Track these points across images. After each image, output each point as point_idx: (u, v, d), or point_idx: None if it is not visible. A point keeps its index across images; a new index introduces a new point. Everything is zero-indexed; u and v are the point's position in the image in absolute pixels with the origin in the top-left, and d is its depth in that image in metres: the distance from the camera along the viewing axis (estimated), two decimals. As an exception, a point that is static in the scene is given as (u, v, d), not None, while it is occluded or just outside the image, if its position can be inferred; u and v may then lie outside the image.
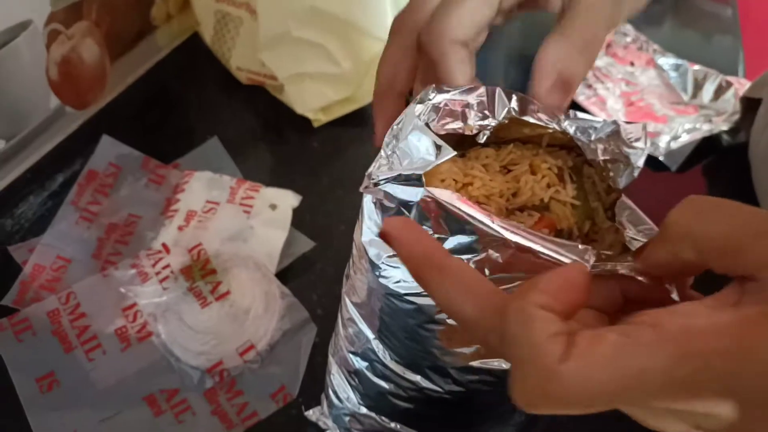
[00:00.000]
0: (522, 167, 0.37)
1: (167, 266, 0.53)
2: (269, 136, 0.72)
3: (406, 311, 0.34)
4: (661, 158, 0.69)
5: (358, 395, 0.43)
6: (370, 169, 0.33)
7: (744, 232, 0.24)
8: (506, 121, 0.35)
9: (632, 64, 0.81)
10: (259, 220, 0.58)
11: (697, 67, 0.78)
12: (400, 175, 0.31)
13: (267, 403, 0.50)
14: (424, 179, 0.31)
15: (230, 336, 0.51)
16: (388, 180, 0.32)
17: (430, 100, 0.35)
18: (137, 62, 0.74)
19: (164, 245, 0.54)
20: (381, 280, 0.34)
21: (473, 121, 0.35)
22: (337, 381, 0.44)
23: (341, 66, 0.69)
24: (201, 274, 0.52)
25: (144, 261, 0.54)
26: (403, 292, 0.33)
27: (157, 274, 0.53)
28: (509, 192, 0.36)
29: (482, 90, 0.35)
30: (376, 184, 0.32)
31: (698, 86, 0.77)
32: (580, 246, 0.29)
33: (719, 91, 0.75)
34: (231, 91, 0.74)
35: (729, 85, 0.75)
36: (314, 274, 0.58)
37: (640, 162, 0.34)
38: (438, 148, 0.32)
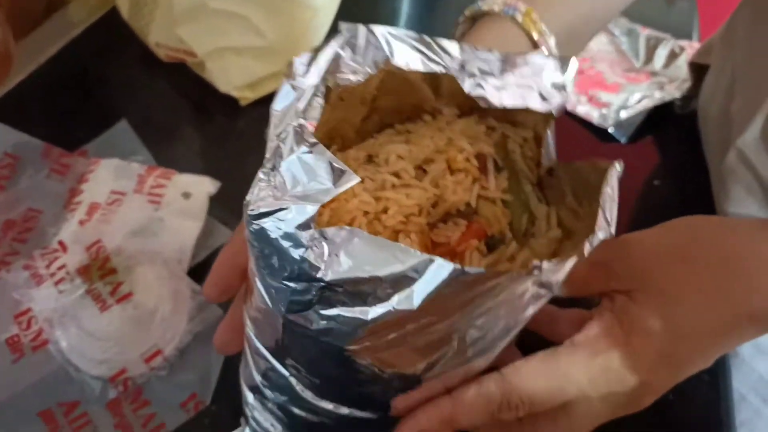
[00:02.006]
0: (439, 165, 0.33)
1: (63, 266, 0.48)
2: (193, 118, 0.67)
3: (320, 349, 0.29)
4: (610, 130, 0.65)
5: (283, 426, 0.39)
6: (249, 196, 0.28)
7: None
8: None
9: (582, 29, 0.76)
10: (169, 211, 0.53)
11: (648, 31, 0.73)
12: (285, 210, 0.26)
13: (176, 413, 0.46)
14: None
15: (134, 341, 0.46)
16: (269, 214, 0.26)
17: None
18: (48, 40, 0.68)
19: (61, 243, 0.49)
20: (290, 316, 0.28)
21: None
22: (258, 411, 0.39)
23: (267, 37, 0.64)
24: (99, 275, 0.48)
25: (38, 261, 0.49)
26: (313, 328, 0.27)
27: (52, 275, 0.48)
28: (429, 203, 0.32)
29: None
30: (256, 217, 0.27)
31: (650, 52, 0.73)
32: None
33: (672, 57, 0.71)
34: (152, 70, 0.69)
35: (682, 50, 0.71)
36: (234, 267, 0.54)
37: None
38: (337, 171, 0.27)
